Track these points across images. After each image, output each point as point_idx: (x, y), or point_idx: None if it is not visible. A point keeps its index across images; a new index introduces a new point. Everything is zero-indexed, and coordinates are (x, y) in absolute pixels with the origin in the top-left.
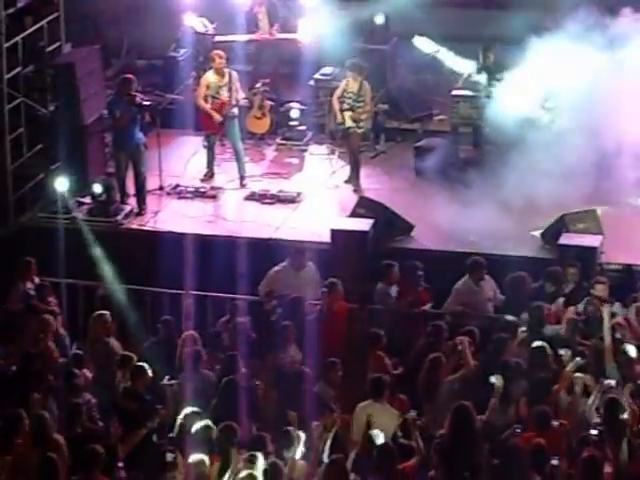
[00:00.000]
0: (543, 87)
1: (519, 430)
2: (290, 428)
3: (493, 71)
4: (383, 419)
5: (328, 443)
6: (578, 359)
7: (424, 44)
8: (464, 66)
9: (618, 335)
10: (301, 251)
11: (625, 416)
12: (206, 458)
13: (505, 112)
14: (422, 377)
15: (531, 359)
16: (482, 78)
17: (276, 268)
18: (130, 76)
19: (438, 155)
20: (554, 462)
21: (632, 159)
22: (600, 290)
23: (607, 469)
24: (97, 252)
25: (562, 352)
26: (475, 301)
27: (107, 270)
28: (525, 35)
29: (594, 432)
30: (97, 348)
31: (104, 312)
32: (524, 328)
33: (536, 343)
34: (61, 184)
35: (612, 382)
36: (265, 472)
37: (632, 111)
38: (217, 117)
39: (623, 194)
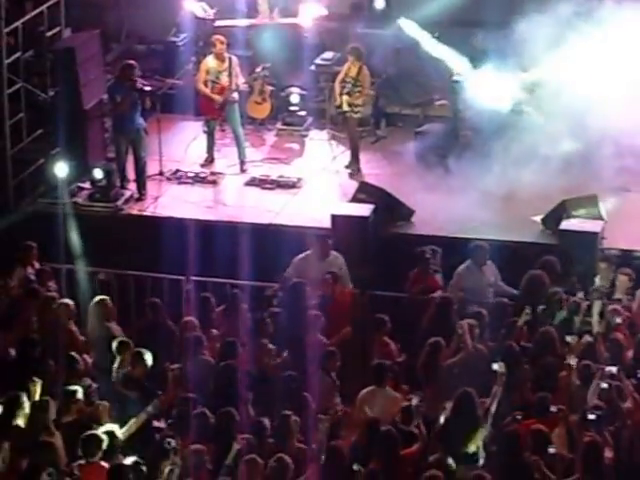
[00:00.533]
0: (529, 73)
1: (519, 417)
2: (288, 413)
3: (480, 57)
4: (385, 405)
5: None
6: (588, 338)
7: (409, 28)
8: (444, 52)
9: (619, 321)
10: (324, 240)
11: (628, 404)
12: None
13: (489, 98)
14: (422, 361)
15: (537, 344)
16: (465, 64)
17: (301, 256)
18: (132, 62)
19: (429, 140)
20: (551, 450)
21: (617, 147)
22: (623, 282)
23: (608, 454)
24: (74, 235)
25: (569, 339)
26: (476, 286)
27: (77, 253)
28: (512, 19)
29: (592, 416)
30: (98, 333)
31: (104, 297)
32: (528, 311)
33: (544, 328)
34: (61, 169)
35: (613, 369)
36: (273, 469)
37: (618, 98)
38: (218, 98)
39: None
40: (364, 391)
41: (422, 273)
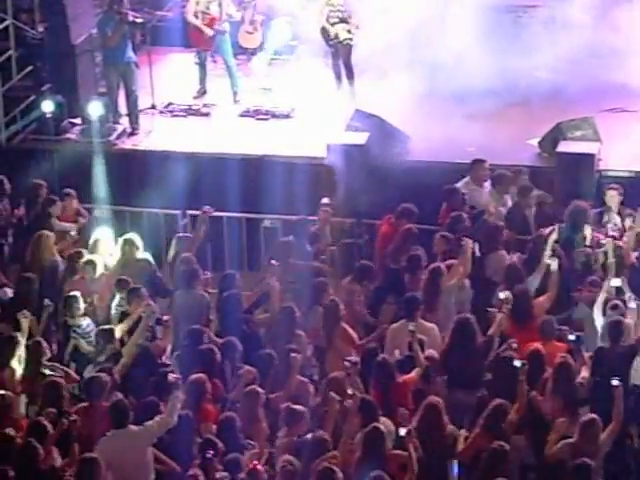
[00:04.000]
0: None
1: (515, 344)
2: (290, 347)
3: None
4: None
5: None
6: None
7: None
8: None
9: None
10: (482, 163)
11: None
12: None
13: None
14: (423, 287)
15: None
16: None
17: (459, 185)
18: None
19: None
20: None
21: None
22: (611, 196)
23: (583, 373)
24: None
25: (549, 261)
26: (479, 202)
27: None
28: None
29: (571, 337)
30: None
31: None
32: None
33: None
34: (48, 105)
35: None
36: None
37: None
38: (208, 32)
39: None
40: (394, 325)
41: (453, 208)
